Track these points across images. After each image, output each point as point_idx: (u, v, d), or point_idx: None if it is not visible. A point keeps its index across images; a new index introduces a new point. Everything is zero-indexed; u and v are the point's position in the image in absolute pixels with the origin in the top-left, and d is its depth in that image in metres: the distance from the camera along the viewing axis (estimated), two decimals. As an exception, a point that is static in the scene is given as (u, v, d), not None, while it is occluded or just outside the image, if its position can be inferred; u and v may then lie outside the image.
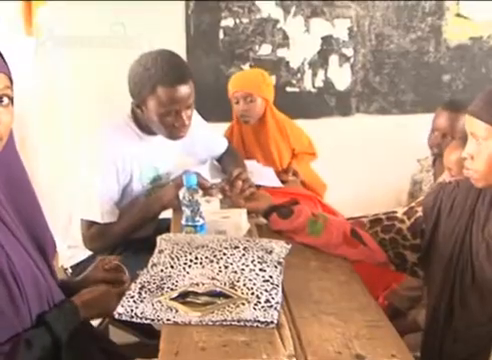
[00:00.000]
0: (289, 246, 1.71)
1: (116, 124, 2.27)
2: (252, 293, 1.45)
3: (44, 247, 1.39)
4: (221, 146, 2.67)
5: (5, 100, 1.21)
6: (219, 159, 2.67)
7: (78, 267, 2.32)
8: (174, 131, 2.20)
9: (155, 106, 2.11)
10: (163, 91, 2.09)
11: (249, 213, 2.07)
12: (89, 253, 2.31)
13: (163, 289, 1.48)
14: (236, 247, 1.62)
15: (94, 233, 2.21)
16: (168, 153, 2.39)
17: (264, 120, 2.84)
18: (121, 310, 1.41)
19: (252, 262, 1.56)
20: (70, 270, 2.39)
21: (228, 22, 3.81)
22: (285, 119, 2.93)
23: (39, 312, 1.31)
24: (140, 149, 2.27)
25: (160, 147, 2.33)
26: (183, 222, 1.87)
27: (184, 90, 2.11)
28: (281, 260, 1.61)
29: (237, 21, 3.82)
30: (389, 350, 1.29)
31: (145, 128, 2.26)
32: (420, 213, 1.70)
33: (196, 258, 1.58)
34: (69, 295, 1.45)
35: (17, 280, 1.23)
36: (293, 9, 3.86)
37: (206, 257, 1.58)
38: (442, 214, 1.66)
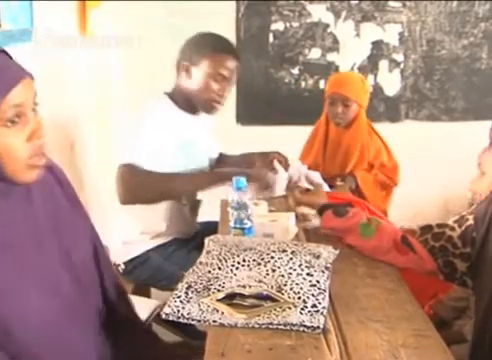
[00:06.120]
0: (337, 251, 1.71)
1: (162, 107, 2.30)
2: (299, 297, 1.45)
3: (80, 275, 1.33)
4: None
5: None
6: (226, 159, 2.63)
7: (131, 263, 2.35)
8: (213, 101, 2.27)
9: (207, 66, 2.23)
10: (218, 55, 2.24)
11: (301, 209, 2.09)
12: (142, 249, 2.34)
13: (210, 290, 1.49)
14: (284, 251, 1.62)
15: (134, 181, 2.07)
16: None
17: (353, 125, 2.85)
18: (168, 310, 1.42)
19: (299, 266, 1.56)
20: (123, 266, 2.39)
21: (278, 26, 3.83)
22: (370, 131, 2.94)
23: None
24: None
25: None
26: (231, 224, 1.88)
27: (235, 63, 2.27)
28: (328, 265, 1.61)
29: (287, 25, 3.83)
30: (436, 360, 1.28)
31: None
32: (471, 221, 1.67)
33: (244, 260, 1.59)
34: None
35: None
36: (344, 13, 3.85)
37: (254, 260, 1.59)
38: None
